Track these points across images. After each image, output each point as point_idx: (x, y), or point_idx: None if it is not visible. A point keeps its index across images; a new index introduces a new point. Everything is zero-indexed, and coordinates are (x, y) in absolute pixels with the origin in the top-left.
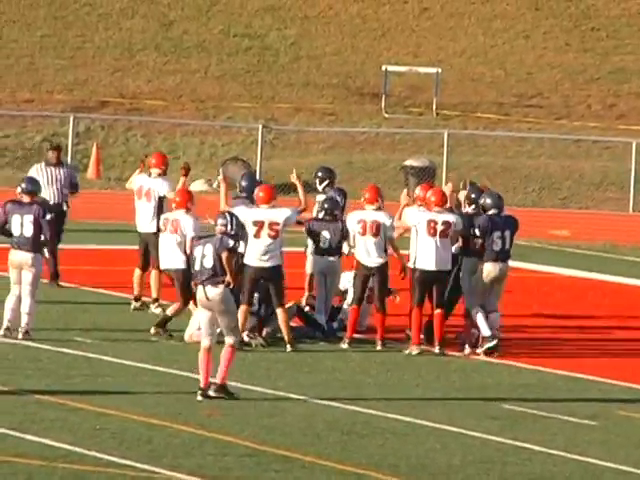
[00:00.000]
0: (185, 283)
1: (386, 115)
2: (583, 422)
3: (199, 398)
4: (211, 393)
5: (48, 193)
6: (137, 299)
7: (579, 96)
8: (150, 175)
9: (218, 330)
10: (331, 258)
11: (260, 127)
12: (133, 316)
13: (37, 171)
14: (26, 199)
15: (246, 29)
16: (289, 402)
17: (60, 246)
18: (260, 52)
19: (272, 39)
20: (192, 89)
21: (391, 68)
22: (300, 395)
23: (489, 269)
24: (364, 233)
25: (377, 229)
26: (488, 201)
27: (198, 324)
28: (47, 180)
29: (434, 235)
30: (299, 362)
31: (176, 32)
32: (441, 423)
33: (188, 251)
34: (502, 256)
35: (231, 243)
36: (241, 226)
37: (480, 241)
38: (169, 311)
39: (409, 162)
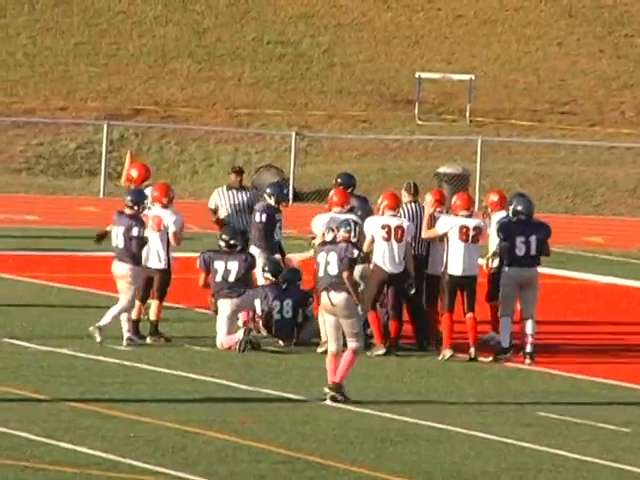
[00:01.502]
0: (165, 283)
1: (419, 122)
2: (617, 429)
3: (328, 402)
4: (326, 390)
5: (234, 219)
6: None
7: (612, 103)
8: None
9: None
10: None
11: (293, 134)
12: (167, 324)
13: (219, 195)
14: (128, 211)
15: (279, 36)
16: (323, 409)
17: (95, 254)
18: (293, 59)
19: (305, 46)
20: (225, 96)
21: (424, 75)
22: (334, 402)
23: (511, 274)
24: (389, 238)
25: (402, 235)
26: (519, 207)
27: (225, 329)
28: (229, 205)
29: (466, 241)
30: None
31: (209, 40)
32: (475, 430)
33: (174, 244)
34: (527, 262)
35: (355, 253)
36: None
37: (504, 244)
38: (152, 316)
39: (442, 169)
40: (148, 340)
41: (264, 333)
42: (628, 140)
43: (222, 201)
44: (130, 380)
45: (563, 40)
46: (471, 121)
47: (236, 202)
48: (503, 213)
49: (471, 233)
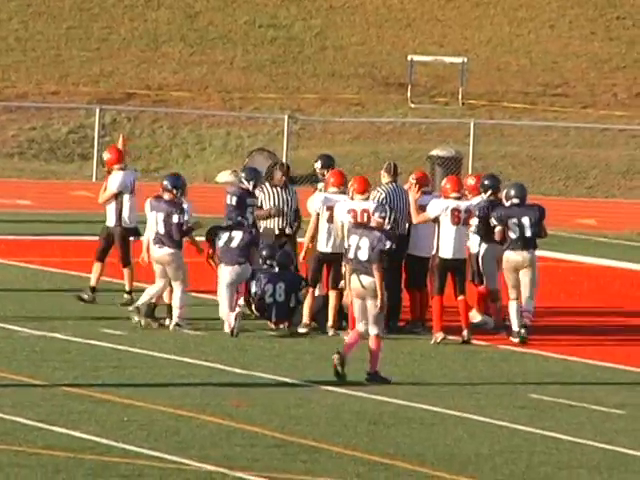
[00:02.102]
0: (122, 240)
1: (412, 105)
2: (611, 411)
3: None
4: (366, 379)
5: (276, 218)
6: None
7: (605, 85)
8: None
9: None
10: None
11: (286, 118)
12: (161, 308)
13: (263, 193)
14: (166, 196)
15: (271, 20)
16: (316, 392)
17: (88, 238)
18: (285, 43)
19: (297, 30)
20: (218, 80)
21: (417, 58)
22: (327, 385)
23: (506, 257)
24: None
25: (368, 218)
26: (511, 192)
27: (226, 299)
28: (274, 203)
29: (457, 224)
30: (326, 352)
31: (201, 23)
32: (468, 412)
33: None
34: (522, 244)
35: (388, 245)
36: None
37: (499, 229)
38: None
39: (435, 152)
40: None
41: (256, 313)
42: (620, 122)
43: (267, 198)
44: (124, 364)
45: (555, 22)
46: (463, 104)
47: (282, 200)
48: (479, 198)
49: (462, 216)
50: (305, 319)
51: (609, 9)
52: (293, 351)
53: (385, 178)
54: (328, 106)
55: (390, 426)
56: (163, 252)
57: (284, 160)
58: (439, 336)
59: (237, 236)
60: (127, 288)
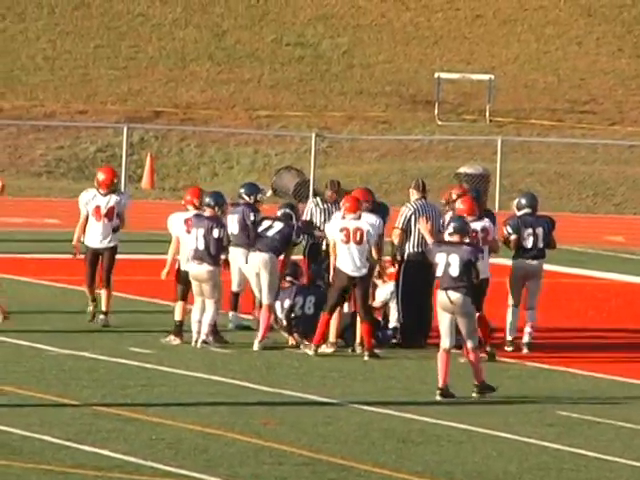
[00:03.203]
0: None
1: (439, 122)
2: (639, 428)
3: (437, 398)
4: (474, 395)
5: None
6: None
7: (632, 101)
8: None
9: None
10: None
11: (313, 136)
12: (188, 326)
13: (315, 206)
14: (207, 213)
15: (298, 38)
16: (345, 410)
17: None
18: (313, 61)
19: (324, 48)
20: (245, 98)
21: (444, 75)
22: (355, 403)
23: (518, 265)
24: (347, 241)
25: (361, 237)
26: (523, 201)
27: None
28: (324, 219)
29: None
30: (354, 370)
31: (229, 42)
32: (497, 430)
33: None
34: (533, 254)
35: (480, 257)
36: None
37: (515, 237)
38: (178, 316)
39: (463, 169)
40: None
41: (285, 335)
42: None
43: (317, 212)
44: (152, 383)
45: (582, 39)
46: (491, 121)
47: (332, 216)
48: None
49: (479, 235)
50: (331, 338)
51: (636, 26)
52: (321, 369)
53: (414, 195)
54: (355, 124)
55: (418, 444)
56: (201, 269)
57: (311, 178)
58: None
59: (277, 226)
60: (104, 309)
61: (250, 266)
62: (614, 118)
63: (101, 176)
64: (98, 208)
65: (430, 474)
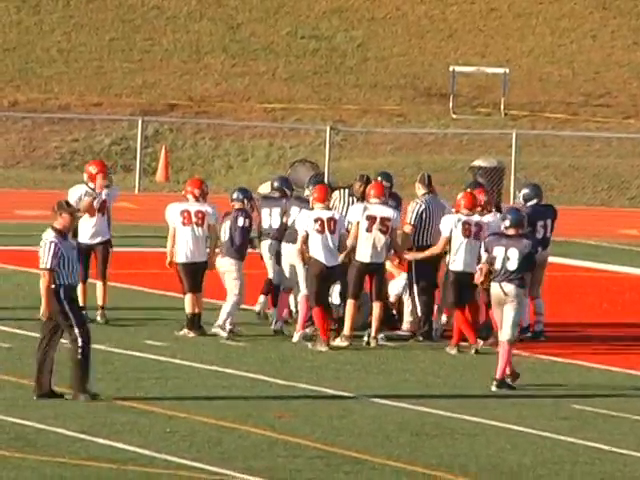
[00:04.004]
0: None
1: (454, 116)
2: None
3: (493, 388)
4: (493, 388)
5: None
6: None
7: None
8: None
9: None
10: None
11: (328, 129)
12: (203, 319)
13: (340, 196)
14: (236, 206)
15: (313, 31)
16: (359, 403)
17: (129, 249)
18: (327, 54)
19: (339, 41)
20: (260, 91)
21: (459, 68)
22: (370, 397)
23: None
24: (322, 231)
25: (335, 226)
26: (529, 192)
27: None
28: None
29: (468, 236)
30: (368, 364)
31: (243, 34)
32: (511, 423)
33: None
34: (544, 244)
35: (538, 250)
36: None
37: (529, 230)
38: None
39: (477, 163)
40: (184, 332)
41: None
42: None
43: (344, 206)
44: (166, 376)
45: (597, 32)
46: (506, 114)
47: None
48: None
49: (473, 229)
50: (346, 331)
51: None
52: (335, 362)
53: (420, 190)
54: (370, 117)
55: (433, 437)
56: (224, 261)
57: (326, 171)
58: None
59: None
60: (101, 303)
61: (285, 258)
62: (629, 111)
63: (93, 169)
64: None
65: (444, 467)
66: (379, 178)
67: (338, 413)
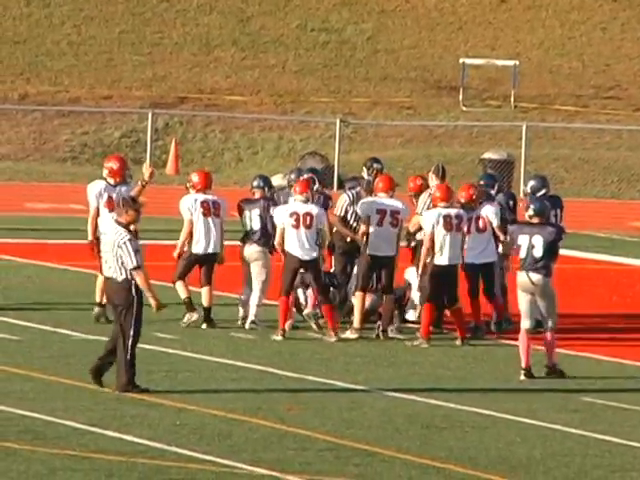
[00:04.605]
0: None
1: (464, 108)
2: None
3: (522, 377)
4: (544, 374)
5: None
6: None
7: None
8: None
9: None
10: None
11: (338, 121)
12: (213, 312)
13: (349, 201)
14: (258, 194)
15: (323, 24)
16: (369, 396)
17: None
18: (337, 46)
19: (349, 33)
20: (270, 84)
21: (469, 61)
22: (379, 389)
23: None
24: (297, 226)
25: (311, 221)
26: (535, 184)
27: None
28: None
29: (450, 230)
30: (378, 356)
31: (253, 27)
32: (521, 416)
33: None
34: None
35: (563, 237)
36: None
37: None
38: (205, 302)
39: (487, 155)
40: (204, 326)
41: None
42: None
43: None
44: (176, 368)
45: (607, 25)
46: (515, 107)
47: None
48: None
49: (454, 222)
50: (356, 324)
51: None
52: (345, 354)
53: (433, 180)
54: (380, 109)
55: (442, 429)
56: (252, 249)
57: (335, 164)
58: (423, 342)
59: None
60: (99, 300)
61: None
62: (639, 104)
63: (114, 165)
64: (111, 199)
65: (454, 460)
66: (374, 164)
67: (348, 405)
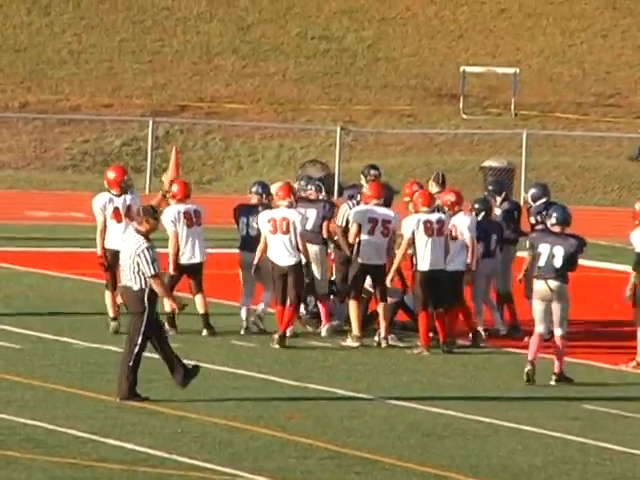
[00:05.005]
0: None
1: (464, 116)
2: None
3: (552, 383)
4: (552, 382)
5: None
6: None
7: None
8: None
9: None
10: None
11: (338, 129)
12: (214, 320)
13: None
14: (254, 200)
15: (323, 32)
16: (370, 404)
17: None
18: (338, 54)
19: (349, 41)
20: (270, 92)
21: (469, 69)
22: (381, 397)
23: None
24: (275, 231)
25: (287, 227)
26: (536, 192)
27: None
28: None
29: (431, 235)
30: (379, 364)
31: (254, 35)
32: (522, 424)
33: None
34: None
35: (584, 250)
36: None
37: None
38: (202, 309)
39: (488, 163)
40: (204, 333)
41: (309, 328)
42: None
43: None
44: None
45: (608, 32)
46: (516, 114)
47: None
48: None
49: (435, 227)
50: (355, 331)
51: None
52: (346, 362)
53: (434, 188)
54: (380, 117)
55: (443, 438)
56: (246, 256)
57: (336, 172)
58: (423, 350)
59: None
60: (113, 315)
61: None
62: (639, 111)
63: (112, 175)
64: (117, 210)
65: (455, 468)
66: (371, 171)
67: (349, 414)
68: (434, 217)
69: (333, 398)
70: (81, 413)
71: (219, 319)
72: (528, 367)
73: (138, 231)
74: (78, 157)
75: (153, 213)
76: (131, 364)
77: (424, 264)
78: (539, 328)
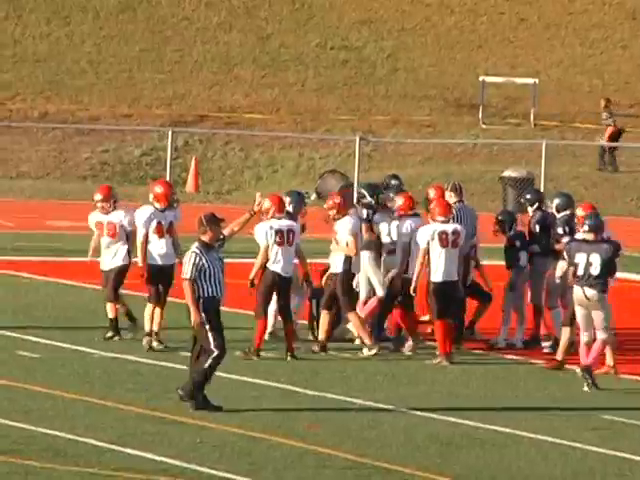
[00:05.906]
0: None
1: (484, 126)
2: None
3: (578, 371)
4: (578, 370)
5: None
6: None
7: None
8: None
9: None
10: None
11: (358, 139)
12: (229, 330)
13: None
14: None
15: (343, 42)
16: (389, 414)
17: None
18: (357, 65)
19: (369, 51)
20: (290, 102)
21: (489, 79)
22: (399, 407)
23: (563, 266)
24: (282, 243)
25: (293, 238)
26: (560, 202)
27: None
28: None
29: (446, 246)
30: (398, 374)
31: (273, 45)
32: (541, 434)
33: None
34: None
35: (621, 252)
36: None
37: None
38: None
39: (507, 173)
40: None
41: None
42: None
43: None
44: None
45: (627, 43)
46: (535, 125)
47: None
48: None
49: (450, 238)
50: (366, 340)
51: None
52: (365, 372)
53: (452, 198)
54: (400, 128)
55: (462, 448)
56: None
57: (355, 182)
58: (442, 360)
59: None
60: (149, 329)
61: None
62: None
63: (159, 189)
64: (160, 225)
65: (474, 478)
66: (392, 181)
67: (368, 424)
68: (450, 228)
69: (352, 408)
70: (100, 423)
71: (238, 330)
72: (586, 379)
73: (199, 239)
74: (97, 167)
75: (216, 221)
76: (206, 367)
77: (437, 275)
78: (583, 337)
